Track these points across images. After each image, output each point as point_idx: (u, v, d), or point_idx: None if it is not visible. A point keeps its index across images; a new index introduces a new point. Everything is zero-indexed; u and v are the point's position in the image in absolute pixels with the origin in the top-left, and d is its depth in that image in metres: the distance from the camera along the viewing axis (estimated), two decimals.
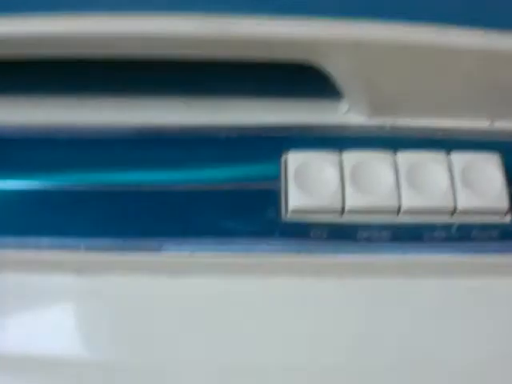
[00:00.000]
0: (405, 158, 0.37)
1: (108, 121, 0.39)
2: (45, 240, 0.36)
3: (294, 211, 0.36)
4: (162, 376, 0.34)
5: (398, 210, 0.36)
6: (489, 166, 0.36)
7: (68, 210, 0.37)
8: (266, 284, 0.36)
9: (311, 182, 0.36)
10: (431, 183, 0.36)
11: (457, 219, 0.36)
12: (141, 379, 0.34)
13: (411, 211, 0.36)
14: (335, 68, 0.37)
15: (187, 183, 0.37)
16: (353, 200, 0.36)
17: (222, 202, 0.37)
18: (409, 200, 0.36)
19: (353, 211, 0.36)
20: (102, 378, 0.34)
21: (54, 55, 0.36)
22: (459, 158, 0.37)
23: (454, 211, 0.36)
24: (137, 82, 0.41)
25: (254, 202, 0.37)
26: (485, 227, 0.36)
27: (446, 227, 0.36)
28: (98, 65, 0.38)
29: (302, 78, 0.40)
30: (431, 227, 0.36)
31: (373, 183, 0.36)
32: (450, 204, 0.35)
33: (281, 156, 0.38)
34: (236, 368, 0.34)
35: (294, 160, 0.37)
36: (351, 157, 0.37)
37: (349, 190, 0.36)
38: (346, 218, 0.36)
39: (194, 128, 0.39)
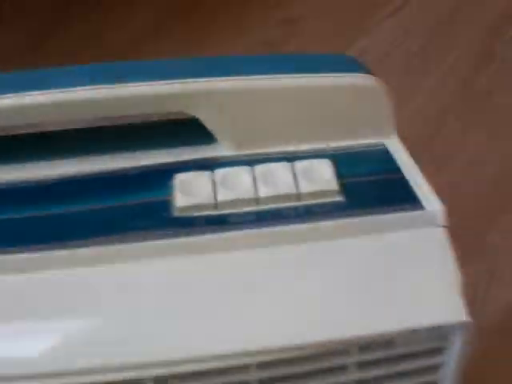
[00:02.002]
0: (260, 168, 0.50)
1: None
2: None
3: (181, 209, 0.48)
4: None
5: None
6: (322, 165, 0.50)
7: None
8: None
9: (191, 189, 0.49)
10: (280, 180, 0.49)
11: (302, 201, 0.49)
12: None
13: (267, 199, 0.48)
14: (204, 115, 0.51)
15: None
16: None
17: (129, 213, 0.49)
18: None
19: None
20: None
21: None
22: (300, 164, 0.50)
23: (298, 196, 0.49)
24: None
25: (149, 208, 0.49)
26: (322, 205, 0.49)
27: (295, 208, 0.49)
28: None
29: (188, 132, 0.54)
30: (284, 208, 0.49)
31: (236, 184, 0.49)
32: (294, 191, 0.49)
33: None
34: None
35: (181, 177, 0.50)
36: (221, 172, 0.50)
37: (220, 190, 0.49)
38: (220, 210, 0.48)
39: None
